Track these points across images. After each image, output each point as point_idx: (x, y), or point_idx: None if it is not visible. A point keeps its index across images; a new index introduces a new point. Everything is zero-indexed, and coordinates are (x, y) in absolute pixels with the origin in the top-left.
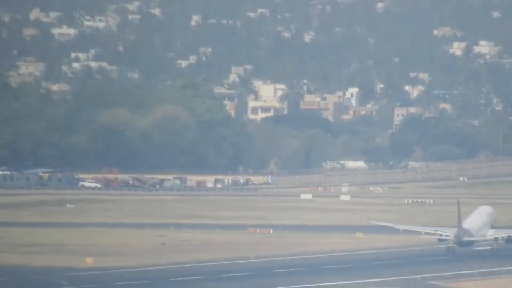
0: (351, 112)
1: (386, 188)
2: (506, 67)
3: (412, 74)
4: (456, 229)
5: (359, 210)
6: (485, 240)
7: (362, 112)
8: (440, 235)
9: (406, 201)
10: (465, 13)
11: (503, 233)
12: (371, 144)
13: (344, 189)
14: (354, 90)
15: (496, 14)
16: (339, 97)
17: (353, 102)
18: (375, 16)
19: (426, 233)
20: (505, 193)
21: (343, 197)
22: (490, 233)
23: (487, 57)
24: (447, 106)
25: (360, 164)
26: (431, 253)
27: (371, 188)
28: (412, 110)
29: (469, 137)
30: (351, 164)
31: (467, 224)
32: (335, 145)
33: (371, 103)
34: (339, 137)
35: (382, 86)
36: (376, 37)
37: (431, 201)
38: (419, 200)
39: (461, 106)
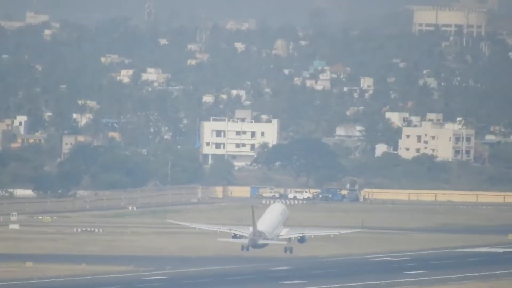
0: (19, 140)
1: (55, 217)
2: (174, 94)
3: (80, 102)
4: (251, 230)
5: (29, 239)
6: (279, 241)
7: (31, 140)
8: (235, 234)
9: (75, 230)
10: (132, 41)
11: (296, 233)
12: (40, 172)
13: (13, 218)
14: (22, 118)
15: (163, 41)
16: (7, 125)
17: (22, 130)
18: (42, 43)
19: (221, 232)
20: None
21: (12, 226)
22: (284, 233)
23: (155, 84)
24: (115, 134)
25: (29, 192)
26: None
27: (40, 217)
28: (81, 138)
29: (138, 166)
30: (20, 192)
31: (261, 224)
32: (4, 173)
33: (40, 131)
34: (7, 165)
35: (50, 114)
36: (44, 64)
37: (100, 230)
38: (88, 229)
39: (129, 134)
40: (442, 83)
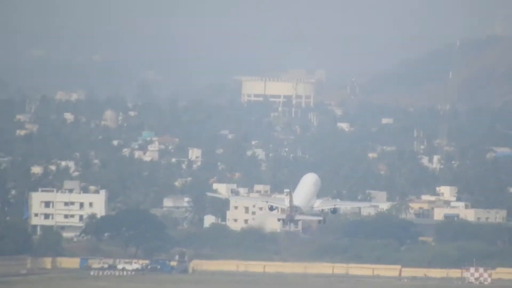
0: None
1: None
2: (2, 165)
3: None
4: (287, 204)
5: None
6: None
7: None
8: (271, 206)
9: None
10: None
11: (328, 204)
12: None
13: None
14: None
15: None
16: None
17: None
18: None
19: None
20: None
21: None
22: (317, 204)
23: None
24: None
25: None
26: None
27: None
28: None
29: None
30: None
31: (297, 197)
32: None
33: None
34: None
35: None
36: None
37: None
38: None
39: None
40: (270, 154)
